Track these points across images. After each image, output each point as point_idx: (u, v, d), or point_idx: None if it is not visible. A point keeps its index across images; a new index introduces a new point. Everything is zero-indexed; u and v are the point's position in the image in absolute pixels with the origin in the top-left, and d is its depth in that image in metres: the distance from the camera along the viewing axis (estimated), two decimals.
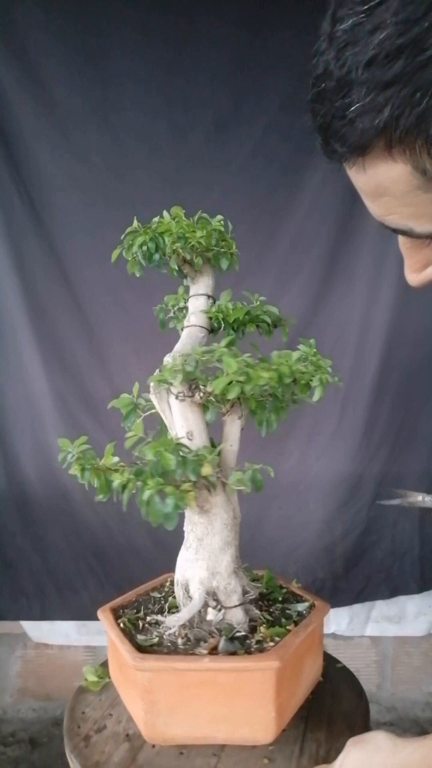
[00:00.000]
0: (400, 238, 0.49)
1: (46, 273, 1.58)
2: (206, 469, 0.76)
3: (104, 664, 1.06)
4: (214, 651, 0.81)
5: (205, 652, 0.81)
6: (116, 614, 0.94)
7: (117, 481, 0.74)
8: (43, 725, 1.85)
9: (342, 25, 0.35)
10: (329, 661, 1.05)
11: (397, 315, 1.55)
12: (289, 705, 0.84)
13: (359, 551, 1.67)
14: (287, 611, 0.94)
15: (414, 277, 0.50)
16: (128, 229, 0.90)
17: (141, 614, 0.94)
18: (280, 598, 0.99)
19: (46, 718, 1.88)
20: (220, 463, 0.92)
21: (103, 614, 0.94)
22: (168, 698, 0.79)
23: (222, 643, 0.82)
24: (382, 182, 0.40)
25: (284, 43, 1.43)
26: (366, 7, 0.33)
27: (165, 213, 0.89)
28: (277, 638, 0.84)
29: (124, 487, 0.73)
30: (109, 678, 1.01)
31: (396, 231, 0.46)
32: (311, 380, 0.81)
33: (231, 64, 1.47)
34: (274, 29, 1.45)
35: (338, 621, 1.83)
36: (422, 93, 0.33)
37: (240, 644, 0.83)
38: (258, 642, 0.84)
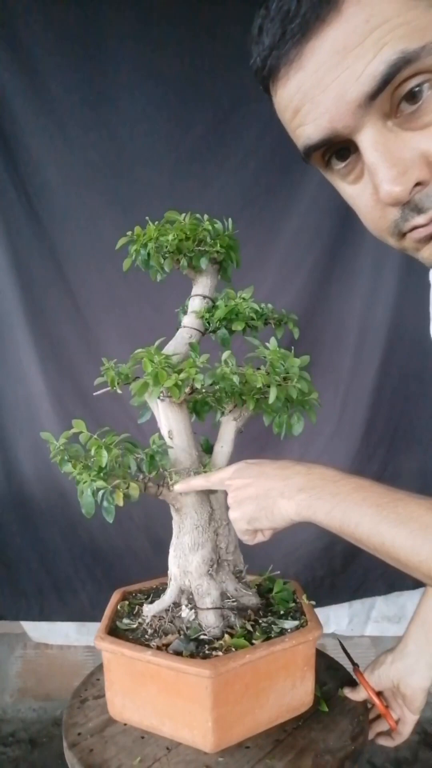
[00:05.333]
0: (375, 140, 0.46)
1: (44, 272, 1.56)
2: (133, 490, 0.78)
3: None
4: (165, 646, 0.83)
5: (155, 645, 0.83)
6: (125, 597, 1.02)
7: (70, 472, 0.82)
8: (43, 725, 1.82)
9: None
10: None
11: (397, 315, 1.49)
12: (239, 722, 0.80)
13: (357, 548, 1.49)
14: (273, 626, 0.89)
15: (399, 182, 0.45)
16: (122, 241, 0.95)
17: (147, 600, 1.00)
18: (282, 612, 0.93)
19: (46, 718, 1.85)
20: (210, 463, 0.92)
21: (114, 595, 1.02)
22: (122, 681, 0.84)
23: (175, 642, 0.83)
24: (368, 14, 0.41)
25: None
26: None
27: (149, 221, 0.92)
28: (233, 649, 0.81)
29: (77, 480, 0.80)
30: None
31: (387, 79, 0.44)
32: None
33: (231, 59, 1.39)
34: None
35: (338, 621, 1.80)
36: None
37: (194, 647, 0.82)
38: (214, 649, 0.82)
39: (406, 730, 0.92)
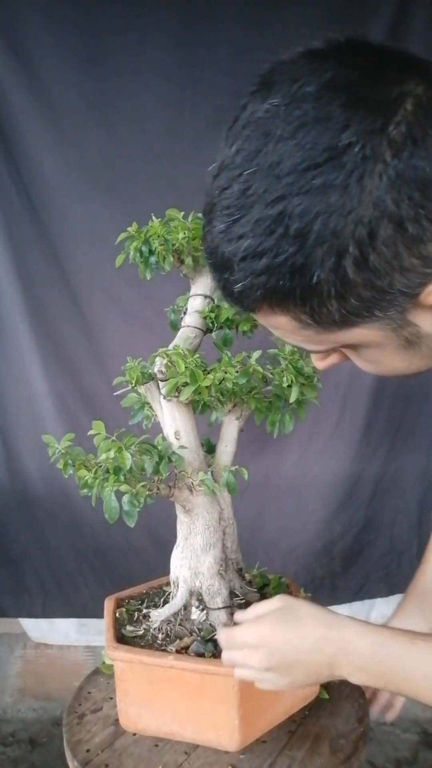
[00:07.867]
0: None
1: (45, 272, 1.57)
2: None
3: None
4: (184, 650, 0.82)
5: (174, 649, 0.82)
6: (120, 604, 0.98)
7: (84, 477, 0.78)
8: (43, 725, 1.82)
9: (218, 226, 0.45)
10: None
11: None
12: (261, 716, 0.81)
13: (357, 550, 1.66)
14: None
15: (319, 364, 0.59)
16: (122, 235, 0.93)
17: (143, 606, 0.97)
18: None
19: (46, 718, 1.84)
20: (214, 463, 0.92)
21: (107, 603, 0.98)
22: (138, 690, 0.82)
23: (194, 644, 0.82)
24: (272, 324, 0.51)
25: (283, 38, 1.35)
26: (231, 219, 0.44)
27: (153, 217, 0.91)
28: None
29: (86, 483, 0.77)
30: None
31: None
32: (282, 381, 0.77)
33: (229, 57, 1.43)
34: (272, 24, 1.39)
35: None
36: (284, 280, 0.43)
37: (213, 647, 0.82)
38: None
39: (398, 704, 0.97)
